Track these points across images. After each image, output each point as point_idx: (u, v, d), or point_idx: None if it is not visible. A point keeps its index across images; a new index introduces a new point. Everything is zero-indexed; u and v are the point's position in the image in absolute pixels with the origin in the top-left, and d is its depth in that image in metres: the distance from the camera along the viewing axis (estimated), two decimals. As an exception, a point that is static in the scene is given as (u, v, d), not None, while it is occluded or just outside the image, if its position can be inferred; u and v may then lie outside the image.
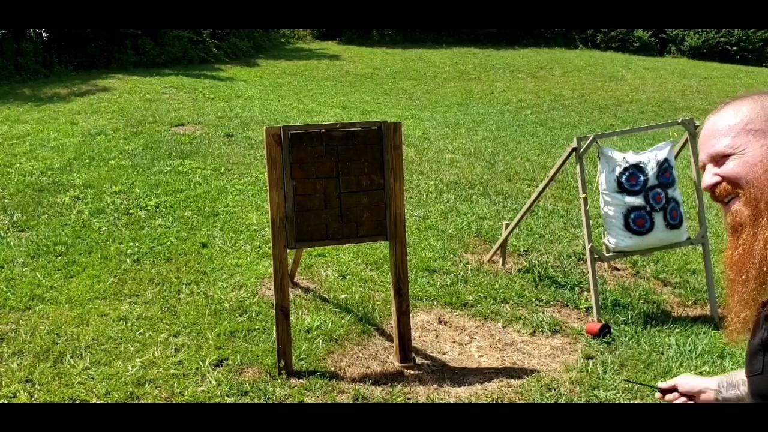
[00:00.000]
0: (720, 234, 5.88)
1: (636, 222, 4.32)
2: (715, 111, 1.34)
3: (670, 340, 4.05)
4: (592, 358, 3.87)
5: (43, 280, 4.63)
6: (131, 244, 5.30)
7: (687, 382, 1.57)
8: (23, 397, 3.31)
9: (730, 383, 1.50)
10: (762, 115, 1.26)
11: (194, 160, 7.72)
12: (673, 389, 1.60)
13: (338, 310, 4.35)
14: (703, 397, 1.53)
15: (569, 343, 4.07)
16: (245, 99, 11.74)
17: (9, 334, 3.92)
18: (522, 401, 3.41)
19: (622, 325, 4.25)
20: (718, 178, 1.28)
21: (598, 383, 3.59)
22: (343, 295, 4.56)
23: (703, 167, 1.32)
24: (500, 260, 5.15)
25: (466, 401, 3.42)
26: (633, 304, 4.57)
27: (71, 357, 3.68)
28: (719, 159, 1.27)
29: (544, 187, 4.81)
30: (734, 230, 1.27)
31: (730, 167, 1.26)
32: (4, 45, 14.03)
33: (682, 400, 1.56)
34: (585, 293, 4.74)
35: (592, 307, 4.35)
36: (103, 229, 5.63)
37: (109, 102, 11.04)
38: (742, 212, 1.24)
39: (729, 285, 1.28)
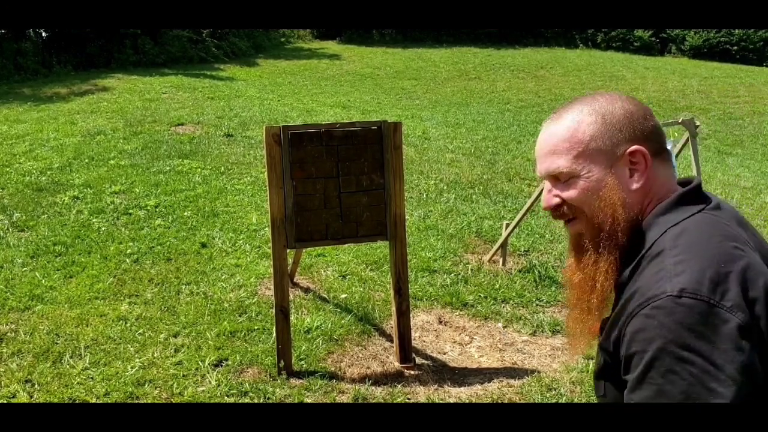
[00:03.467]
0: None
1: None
2: (553, 116, 1.23)
3: (670, 339, 4.05)
4: (592, 359, 3.87)
5: (43, 280, 4.63)
6: (131, 244, 5.30)
7: None
8: (23, 398, 3.31)
9: None
10: (605, 132, 1.16)
11: (194, 160, 7.72)
12: None
13: (338, 310, 4.35)
14: None
15: (570, 343, 4.07)
16: (245, 99, 11.74)
17: (8, 334, 3.92)
18: (522, 401, 3.41)
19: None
20: (558, 200, 1.21)
21: (598, 383, 3.58)
22: (343, 295, 4.56)
23: (541, 180, 1.24)
24: (500, 260, 5.15)
25: (467, 401, 3.42)
26: (633, 304, 4.56)
27: (71, 357, 3.68)
28: (563, 178, 1.20)
29: (544, 187, 4.81)
30: (576, 250, 1.23)
31: (571, 192, 1.19)
32: (3, 45, 14.03)
33: None
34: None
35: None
36: (103, 229, 5.63)
37: (108, 102, 11.03)
38: (585, 235, 1.20)
39: (572, 306, 1.25)
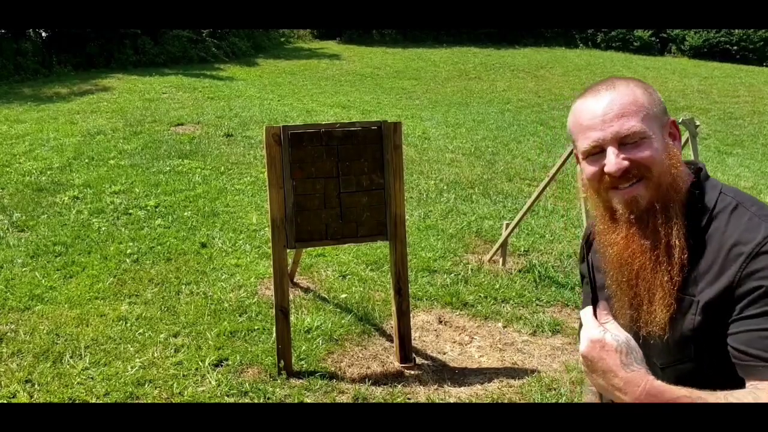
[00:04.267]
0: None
1: (636, 222, 4.32)
2: (597, 89, 1.27)
3: (670, 339, 4.05)
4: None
5: (43, 280, 4.63)
6: (131, 244, 5.30)
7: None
8: (23, 398, 3.31)
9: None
10: (654, 102, 1.26)
11: (194, 160, 7.72)
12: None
13: (338, 310, 4.35)
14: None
15: (570, 343, 4.07)
16: (245, 98, 11.74)
17: (8, 334, 3.92)
18: (522, 401, 3.41)
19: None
20: (627, 163, 1.22)
21: (598, 383, 3.58)
22: (343, 295, 4.56)
23: (597, 147, 1.25)
24: (500, 260, 5.15)
25: (467, 401, 3.42)
26: (633, 304, 4.56)
27: (71, 357, 3.68)
28: (631, 140, 1.23)
29: (545, 187, 4.81)
30: (639, 217, 1.24)
31: (644, 152, 1.22)
32: (3, 45, 14.03)
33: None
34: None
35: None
36: (103, 229, 5.63)
37: (108, 102, 11.03)
38: (644, 198, 1.23)
39: (644, 274, 1.23)
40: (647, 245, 1.22)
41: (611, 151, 1.23)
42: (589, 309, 1.23)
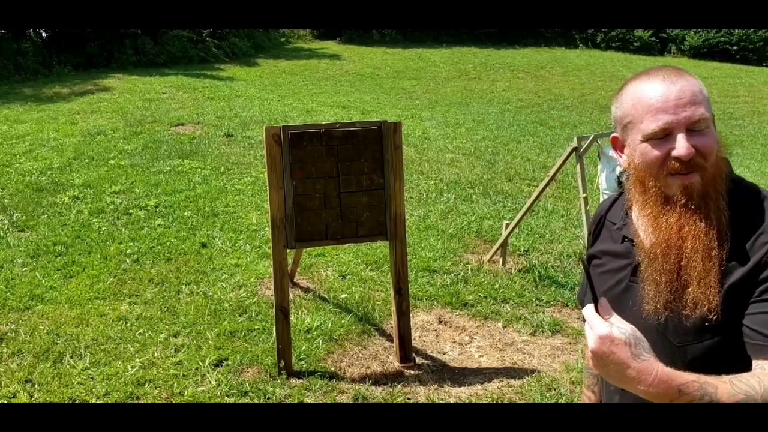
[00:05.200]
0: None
1: (636, 222, 4.32)
2: (663, 74, 1.28)
3: (670, 339, 4.05)
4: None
5: (43, 280, 4.63)
6: (131, 244, 5.30)
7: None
8: (23, 397, 3.31)
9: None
10: (708, 94, 1.30)
11: (194, 160, 7.72)
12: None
13: (338, 310, 4.35)
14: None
15: (569, 343, 4.07)
16: (245, 99, 11.74)
17: (9, 334, 3.92)
18: (522, 401, 3.41)
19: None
20: (692, 150, 1.24)
21: (598, 383, 3.58)
22: (343, 295, 4.56)
23: (666, 131, 1.25)
24: (500, 260, 5.15)
25: (466, 401, 3.42)
26: (633, 304, 4.56)
27: (71, 357, 3.68)
28: (698, 127, 1.24)
29: (545, 187, 4.81)
30: (694, 203, 1.26)
31: (707, 140, 1.25)
32: (3, 45, 14.03)
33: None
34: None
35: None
36: (103, 229, 5.63)
37: (108, 102, 11.03)
38: (699, 184, 1.25)
39: (695, 257, 1.25)
40: (701, 229, 1.24)
41: (682, 137, 1.24)
42: (591, 306, 1.23)
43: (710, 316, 1.22)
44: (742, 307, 1.20)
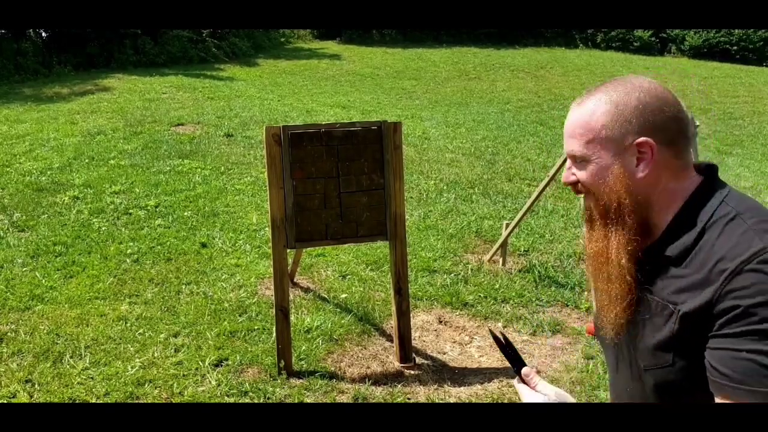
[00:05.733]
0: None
1: (636, 222, 4.32)
2: (579, 100, 1.32)
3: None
4: (592, 358, 3.86)
5: (43, 280, 4.63)
6: (131, 244, 5.30)
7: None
8: (23, 397, 3.31)
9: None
10: (615, 122, 1.25)
11: (194, 160, 7.72)
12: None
13: (338, 310, 4.35)
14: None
15: (570, 343, 4.07)
16: (245, 99, 11.73)
17: (9, 334, 3.92)
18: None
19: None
20: (574, 178, 1.32)
21: (598, 383, 3.59)
22: (343, 295, 4.56)
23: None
24: (500, 260, 5.15)
25: (466, 401, 3.42)
26: (633, 304, 4.56)
27: (71, 357, 3.68)
28: (576, 160, 1.31)
29: (545, 187, 4.81)
30: (588, 222, 1.33)
31: (583, 174, 1.30)
32: (3, 45, 14.03)
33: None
34: (585, 293, 4.73)
35: (592, 307, 4.35)
36: (103, 229, 5.63)
37: (108, 102, 11.03)
38: (595, 208, 1.30)
39: (593, 280, 1.32)
40: (591, 252, 1.31)
41: (567, 164, 1.35)
42: (517, 378, 1.36)
43: (620, 338, 1.24)
44: (700, 337, 1.15)
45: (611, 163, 1.25)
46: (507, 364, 3.96)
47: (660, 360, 1.23)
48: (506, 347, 1.41)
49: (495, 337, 1.42)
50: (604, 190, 1.26)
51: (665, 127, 1.24)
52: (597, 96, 1.28)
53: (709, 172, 1.29)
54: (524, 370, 1.35)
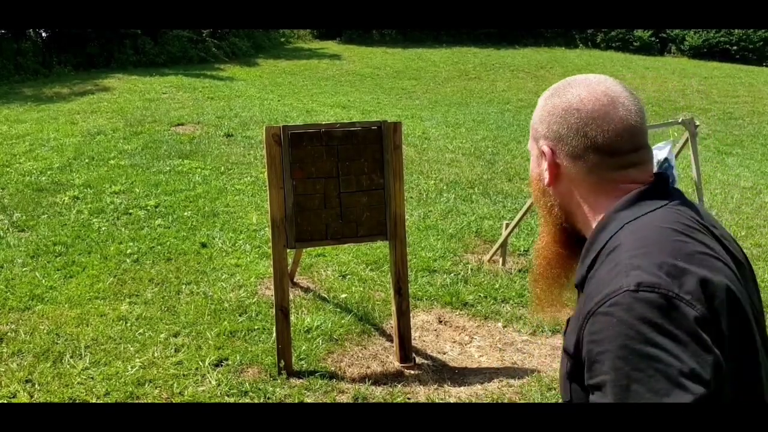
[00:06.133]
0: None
1: (636, 222, 4.32)
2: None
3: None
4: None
5: (43, 280, 4.63)
6: (131, 244, 5.30)
7: None
8: (23, 397, 3.31)
9: None
10: (541, 121, 1.21)
11: (194, 160, 7.72)
12: None
13: (338, 310, 4.35)
14: None
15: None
16: (245, 99, 11.73)
17: (9, 334, 3.92)
18: (522, 401, 3.41)
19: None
20: None
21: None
22: (343, 295, 4.56)
23: None
24: (500, 260, 5.15)
25: (466, 401, 3.42)
26: (633, 304, 4.56)
27: (71, 357, 3.68)
28: None
29: (544, 187, 4.81)
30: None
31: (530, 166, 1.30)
32: (3, 45, 14.03)
33: None
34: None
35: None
36: (103, 229, 5.63)
37: (108, 102, 11.03)
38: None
39: (536, 274, 1.34)
40: (537, 247, 1.36)
41: None
42: None
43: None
44: (580, 378, 1.06)
45: (534, 162, 1.26)
46: (507, 364, 3.95)
47: (564, 394, 1.16)
48: None
49: None
50: (533, 186, 1.28)
51: (577, 139, 1.14)
52: (548, 91, 1.24)
53: (644, 188, 1.14)
54: None
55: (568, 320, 1.17)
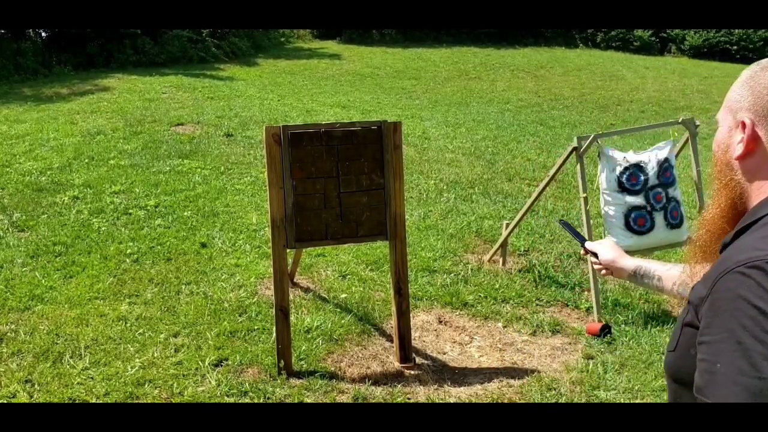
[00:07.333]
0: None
1: (636, 221, 4.32)
2: None
3: (670, 339, 4.05)
4: (592, 358, 3.86)
5: (43, 280, 4.63)
6: (131, 244, 5.30)
7: (608, 253, 1.78)
8: (23, 398, 3.31)
9: (647, 273, 1.68)
10: (741, 96, 1.21)
11: (194, 160, 7.71)
12: (595, 254, 1.81)
13: (338, 310, 4.35)
14: (618, 274, 1.78)
15: (570, 343, 4.07)
16: (245, 98, 11.73)
17: (8, 334, 3.92)
18: (522, 401, 3.41)
19: (623, 325, 4.25)
20: None
21: (598, 383, 3.59)
22: (343, 295, 4.56)
23: None
24: (500, 260, 5.15)
25: (466, 401, 3.42)
26: (633, 304, 4.56)
27: (71, 357, 3.68)
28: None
29: (545, 187, 4.81)
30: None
31: (716, 136, 1.30)
32: (3, 45, 14.02)
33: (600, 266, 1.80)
34: (585, 293, 4.73)
35: (592, 307, 4.35)
36: (103, 229, 5.63)
37: (108, 102, 11.03)
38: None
39: (702, 237, 1.29)
40: (708, 216, 1.33)
41: None
42: (582, 251, 1.88)
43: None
44: (696, 326, 1.09)
45: (725, 133, 1.25)
46: (507, 364, 3.96)
47: (671, 343, 1.19)
48: (572, 229, 1.92)
49: (563, 223, 1.90)
50: (715, 156, 1.27)
51: None
52: (745, 73, 1.24)
53: None
54: (587, 244, 1.82)
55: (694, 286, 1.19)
